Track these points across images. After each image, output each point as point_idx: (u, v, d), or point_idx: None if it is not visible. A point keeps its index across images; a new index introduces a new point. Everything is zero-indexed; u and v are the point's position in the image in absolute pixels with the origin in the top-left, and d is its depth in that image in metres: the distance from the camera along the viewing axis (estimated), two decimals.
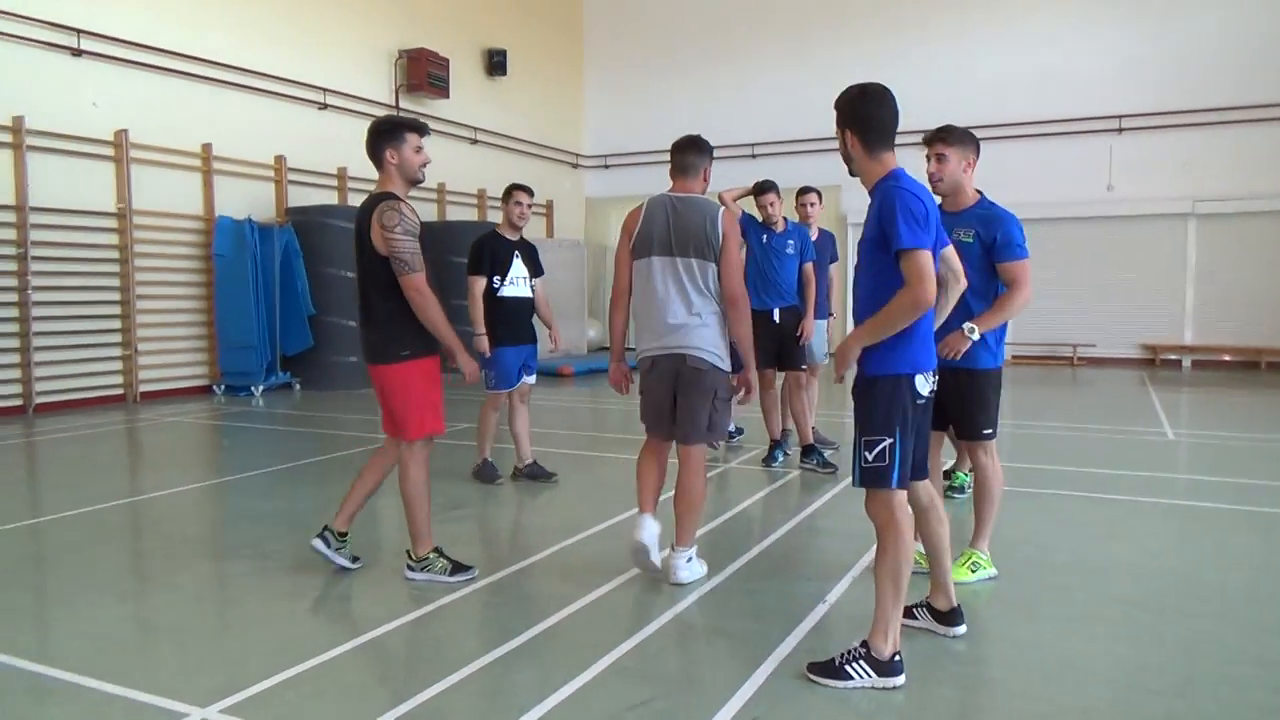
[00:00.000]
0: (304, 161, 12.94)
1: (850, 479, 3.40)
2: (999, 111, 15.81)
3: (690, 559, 4.23)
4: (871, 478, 3.16)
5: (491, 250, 6.18)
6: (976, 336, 4.07)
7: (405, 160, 4.06)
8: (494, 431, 6.47)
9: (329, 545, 4.37)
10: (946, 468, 6.48)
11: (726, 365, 4.21)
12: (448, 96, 15.11)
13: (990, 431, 4.24)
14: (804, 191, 7.28)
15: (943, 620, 3.60)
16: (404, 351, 4.11)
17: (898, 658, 3.14)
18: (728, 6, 18.27)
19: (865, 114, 3.12)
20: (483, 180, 16.30)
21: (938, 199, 3.86)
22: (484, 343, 6.11)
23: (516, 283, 6.23)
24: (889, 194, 3.06)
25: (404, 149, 4.05)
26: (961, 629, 3.59)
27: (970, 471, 6.05)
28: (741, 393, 4.34)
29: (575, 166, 19.39)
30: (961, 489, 5.97)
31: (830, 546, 4.97)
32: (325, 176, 13.35)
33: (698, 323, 4.10)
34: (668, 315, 4.12)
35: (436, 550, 4.33)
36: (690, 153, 4.31)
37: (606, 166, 19.56)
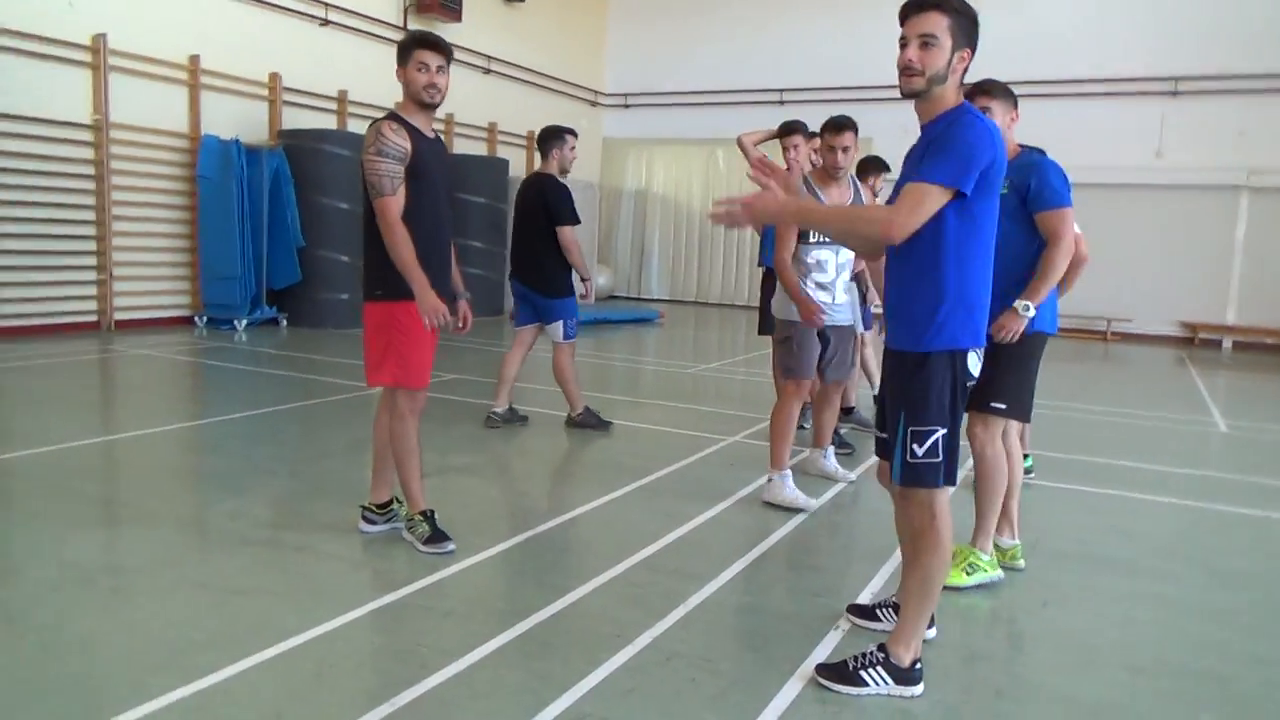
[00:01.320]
0: (301, 81, 12.07)
1: (891, 468, 2.82)
2: (1046, 67, 14.70)
3: (771, 479, 4.72)
4: (919, 475, 2.73)
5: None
6: (1031, 313, 3.57)
7: (410, 79, 3.73)
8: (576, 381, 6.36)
9: (374, 524, 4.05)
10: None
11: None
12: (460, 20, 14.17)
13: (1002, 405, 3.62)
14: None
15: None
16: (378, 290, 3.75)
17: (918, 665, 2.82)
18: None
19: (976, 38, 2.69)
20: (494, 114, 15.42)
21: None
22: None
23: None
24: (963, 123, 2.62)
25: (409, 68, 3.73)
26: (932, 632, 3.08)
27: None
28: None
29: (594, 104, 18.44)
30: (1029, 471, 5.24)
31: (847, 547, 4.27)
32: (324, 99, 12.50)
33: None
34: None
35: (424, 513, 3.87)
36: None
37: (627, 106, 18.61)
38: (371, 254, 3.74)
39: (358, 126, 12.36)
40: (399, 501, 4.12)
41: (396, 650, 2.99)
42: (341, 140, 11.38)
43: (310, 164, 11.16)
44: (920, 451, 2.70)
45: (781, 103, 16.15)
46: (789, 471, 4.73)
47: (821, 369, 4.92)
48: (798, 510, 4.58)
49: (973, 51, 2.67)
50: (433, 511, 3.89)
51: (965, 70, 2.69)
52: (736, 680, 2.86)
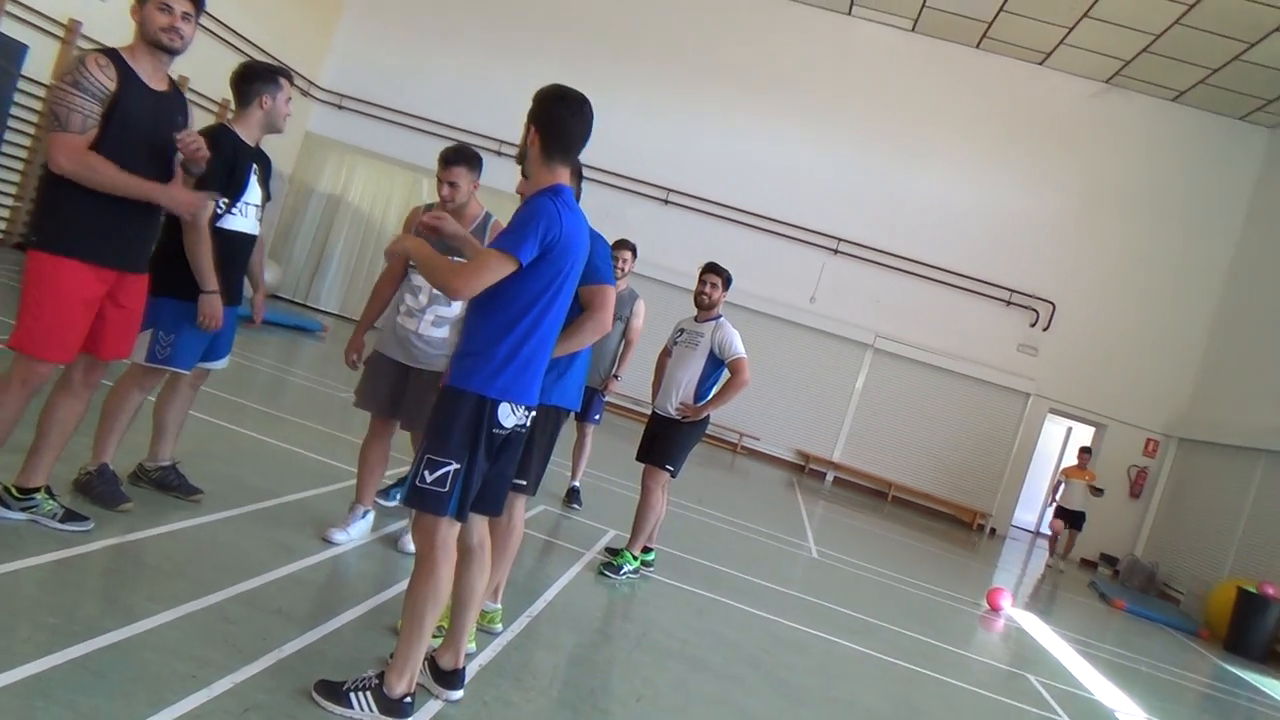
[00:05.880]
0: None
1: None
2: (738, 197, 16.31)
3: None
4: (423, 501, 2.83)
5: (231, 159, 3.97)
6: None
7: (148, 17, 3.35)
8: (129, 423, 4.13)
9: (8, 508, 3.46)
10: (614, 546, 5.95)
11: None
12: None
13: (521, 482, 3.53)
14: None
15: (442, 680, 3.11)
16: (33, 236, 3.27)
17: (408, 700, 2.86)
18: (526, 4, 17.40)
19: (558, 116, 2.97)
20: (186, 68, 13.98)
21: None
22: (215, 303, 3.92)
23: (246, 211, 4.10)
24: (535, 202, 2.88)
25: (149, 5, 3.35)
26: (458, 694, 3.10)
27: (639, 554, 5.56)
28: None
29: (304, 94, 17.37)
30: (618, 569, 5.41)
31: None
32: None
33: None
34: None
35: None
36: None
37: (340, 107, 17.74)
38: (40, 195, 3.33)
39: (14, 30, 10.66)
40: (49, 492, 3.54)
41: None
42: None
43: None
44: (430, 478, 2.80)
45: (499, 153, 16.25)
46: (359, 508, 4.56)
47: (407, 415, 4.40)
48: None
49: (540, 129, 2.96)
50: None
51: (546, 141, 2.95)
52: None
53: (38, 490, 3.52)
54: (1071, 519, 13.69)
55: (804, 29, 16.65)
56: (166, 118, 3.45)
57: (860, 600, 7.07)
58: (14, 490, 3.49)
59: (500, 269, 2.79)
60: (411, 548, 4.28)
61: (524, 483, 3.57)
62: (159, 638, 2.92)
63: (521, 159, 3.02)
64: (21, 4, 10.92)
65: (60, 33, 11.60)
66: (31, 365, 3.28)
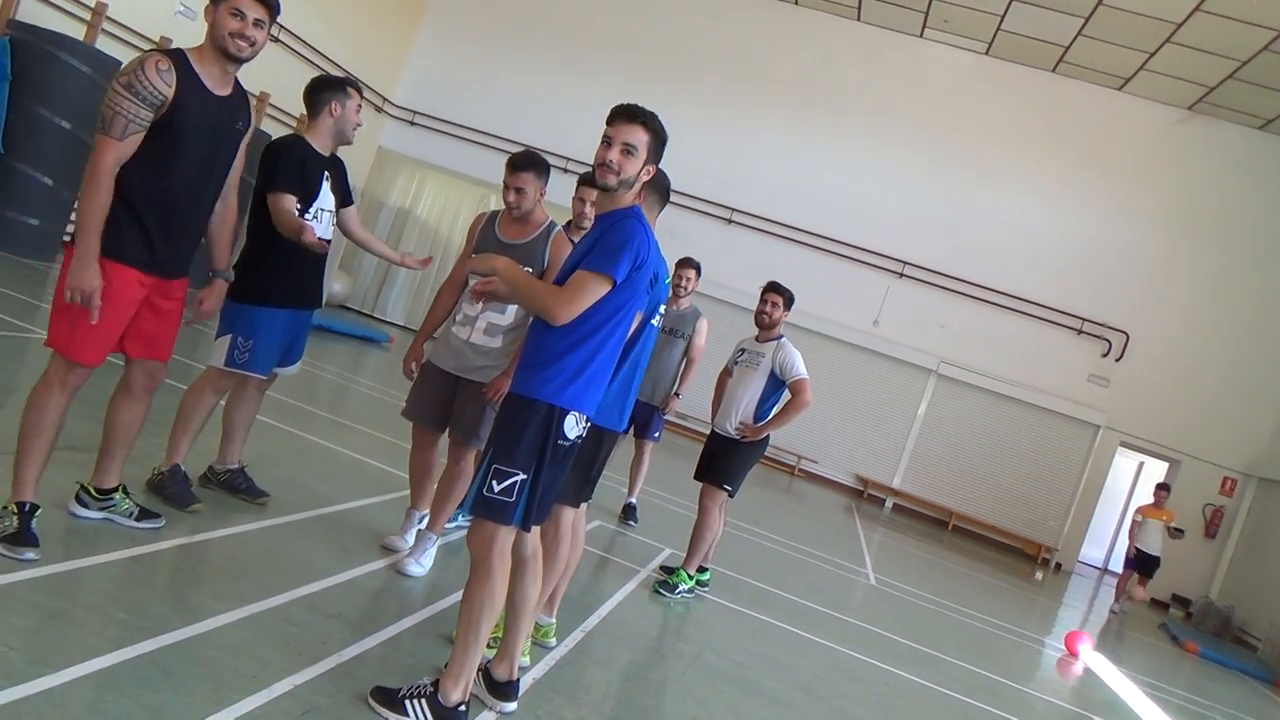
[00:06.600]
0: None
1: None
2: (802, 217, 16.23)
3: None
4: (489, 510, 2.83)
5: (301, 163, 4.16)
6: None
7: (217, 21, 3.30)
8: (202, 425, 4.25)
9: (87, 507, 3.55)
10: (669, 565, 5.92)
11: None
12: None
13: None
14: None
15: (495, 691, 3.11)
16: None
17: (463, 708, 2.86)
18: (594, 23, 17.60)
19: (662, 154, 3.01)
20: (269, 83, 14.38)
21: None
22: (311, 235, 3.89)
23: (320, 217, 4.25)
24: (626, 224, 2.89)
25: (221, 8, 3.30)
26: (512, 706, 3.12)
27: (695, 574, 5.53)
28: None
29: (378, 110, 17.79)
30: (674, 588, 5.37)
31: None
32: (74, 3, 11.10)
33: None
34: None
35: (22, 505, 3.15)
36: None
37: (413, 123, 18.11)
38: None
39: (110, 47, 11.08)
40: (125, 491, 3.61)
41: None
42: (83, 55, 10.08)
43: (38, 68, 9.75)
44: (497, 488, 2.81)
45: (565, 170, 16.43)
46: (414, 514, 4.51)
47: (453, 423, 4.24)
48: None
49: (657, 165, 3.02)
50: (35, 508, 3.18)
51: (653, 177, 3.02)
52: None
53: (115, 490, 3.60)
54: (1146, 564, 12.44)
55: (874, 50, 16.54)
56: (226, 123, 3.41)
57: (919, 630, 6.91)
58: (93, 490, 3.57)
59: (598, 290, 2.81)
60: (411, 570, 4.21)
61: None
62: (222, 637, 2.98)
63: (622, 182, 2.90)
64: (117, 21, 11.39)
65: (152, 49, 12.03)
66: (68, 367, 3.20)
